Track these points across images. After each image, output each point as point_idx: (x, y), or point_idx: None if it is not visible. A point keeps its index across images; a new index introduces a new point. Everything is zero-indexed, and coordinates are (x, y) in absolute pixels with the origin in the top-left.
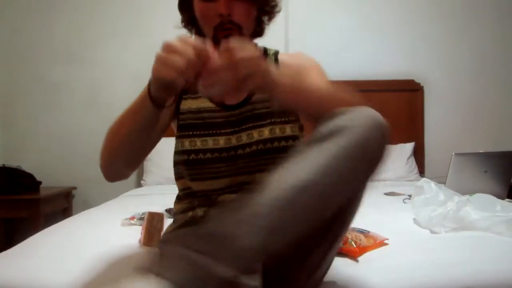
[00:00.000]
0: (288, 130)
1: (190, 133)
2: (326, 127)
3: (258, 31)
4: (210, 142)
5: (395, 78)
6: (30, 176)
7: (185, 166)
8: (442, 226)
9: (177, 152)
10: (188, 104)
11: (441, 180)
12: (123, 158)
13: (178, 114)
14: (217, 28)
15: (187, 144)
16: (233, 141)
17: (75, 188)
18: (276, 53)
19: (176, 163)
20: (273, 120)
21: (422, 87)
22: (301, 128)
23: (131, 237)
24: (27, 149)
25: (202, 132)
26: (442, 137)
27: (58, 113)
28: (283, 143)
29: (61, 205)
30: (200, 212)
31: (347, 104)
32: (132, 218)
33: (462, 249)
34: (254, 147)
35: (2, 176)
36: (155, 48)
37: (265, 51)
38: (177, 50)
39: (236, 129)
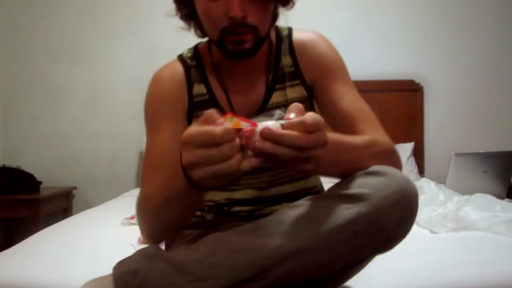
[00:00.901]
0: None
1: None
2: (348, 186)
3: (273, 20)
4: None
5: (395, 78)
6: (30, 176)
7: None
8: (441, 226)
9: None
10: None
11: (441, 180)
12: (170, 234)
13: None
14: (227, 31)
15: None
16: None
17: (75, 188)
18: (290, 33)
19: None
20: None
21: (422, 87)
22: None
23: (131, 237)
24: (27, 149)
25: None
26: (442, 137)
27: (58, 113)
28: None
29: (61, 205)
30: (208, 217)
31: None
32: (132, 217)
33: (461, 250)
34: None
35: (2, 176)
36: (155, 48)
37: (277, 32)
38: (216, 159)
39: None
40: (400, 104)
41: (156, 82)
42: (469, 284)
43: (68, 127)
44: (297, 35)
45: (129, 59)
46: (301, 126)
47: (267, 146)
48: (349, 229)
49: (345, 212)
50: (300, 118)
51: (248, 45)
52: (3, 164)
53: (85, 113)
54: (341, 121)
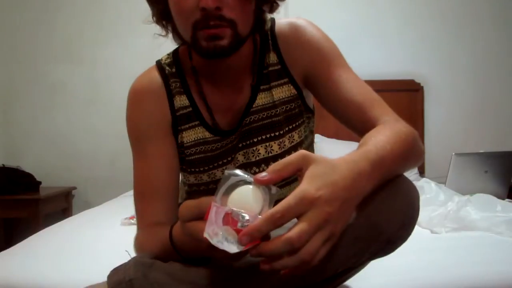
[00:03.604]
0: (296, 136)
1: (194, 169)
2: None
3: (258, 24)
4: (218, 174)
5: (395, 78)
6: (29, 176)
7: (194, 194)
8: (442, 226)
9: (182, 181)
10: (186, 137)
11: (441, 180)
12: None
13: (177, 147)
14: (199, 25)
15: (192, 179)
16: (240, 158)
17: (75, 188)
18: (272, 26)
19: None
20: (276, 134)
21: (422, 87)
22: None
23: (131, 237)
24: (27, 149)
25: (207, 167)
26: (442, 137)
27: (58, 113)
28: (292, 153)
29: (61, 205)
30: None
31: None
32: (132, 217)
33: (462, 250)
34: (263, 166)
35: (1, 176)
36: (155, 48)
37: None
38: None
39: (240, 145)
40: (400, 104)
41: (134, 99)
42: (469, 284)
43: (68, 127)
44: (279, 27)
45: (129, 59)
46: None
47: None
48: (349, 234)
49: None
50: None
51: (224, 42)
52: (3, 164)
53: (85, 113)
54: (348, 110)
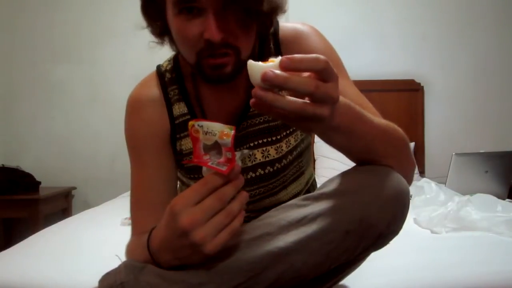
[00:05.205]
0: (292, 140)
1: (193, 176)
2: (338, 184)
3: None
4: None
5: (395, 78)
6: (29, 176)
7: None
8: (442, 226)
9: (182, 181)
10: (184, 144)
11: (441, 180)
12: None
13: (176, 154)
14: (204, 54)
15: (192, 184)
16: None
17: (74, 188)
18: (276, 30)
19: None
20: (273, 138)
21: (422, 87)
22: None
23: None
24: (26, 149)
25: None
26: (442, 137)
27: (58, 113)
28: (289, 158)
29: (60, 205)
30: None
31: (397, 146)
32: None
33: (462, 250)
34: (259, 170)
35: (1, 176)
36: (155, 48)
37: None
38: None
39: (237, 150)
40: (401, 104)
41: (133, 108)
42: (470, 283)
43: (67, 127)
44: (283, 31)
45: (129, 59)
46: (314, 62)
47: (269, 96)
48: (340, 228)
49: (334, 211)
50: (314, 55)
51: (228, 69)
52: (2, 164)
53: (85, 113)
54: None
